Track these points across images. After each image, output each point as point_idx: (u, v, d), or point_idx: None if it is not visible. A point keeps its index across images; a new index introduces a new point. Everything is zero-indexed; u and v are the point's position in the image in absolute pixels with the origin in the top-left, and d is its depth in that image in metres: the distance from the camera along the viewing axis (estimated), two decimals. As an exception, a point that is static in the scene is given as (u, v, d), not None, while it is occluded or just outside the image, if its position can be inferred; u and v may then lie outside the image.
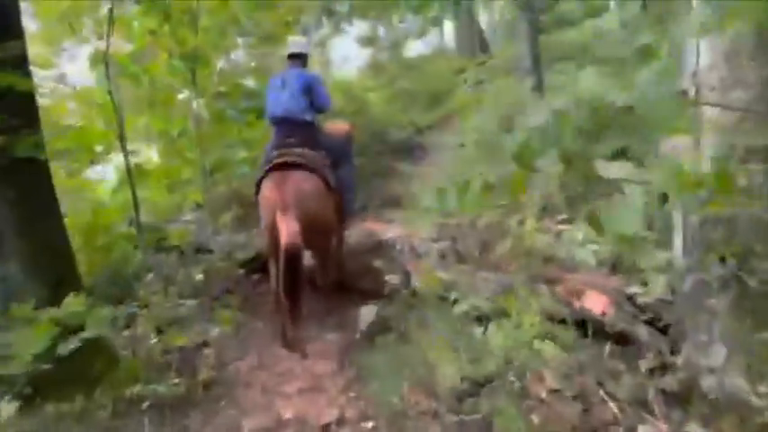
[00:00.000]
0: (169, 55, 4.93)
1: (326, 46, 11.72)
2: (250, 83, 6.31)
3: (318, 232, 3.81)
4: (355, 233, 5.26)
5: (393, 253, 4.67)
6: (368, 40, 14.15)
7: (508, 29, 17.05)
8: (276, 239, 3.56)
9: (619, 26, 8.53)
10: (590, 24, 10.04)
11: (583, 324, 3.07)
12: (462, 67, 12.46)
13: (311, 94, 4.08)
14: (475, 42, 14.08)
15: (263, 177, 3.87)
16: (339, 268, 4.51)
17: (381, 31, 13.74)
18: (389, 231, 5.25)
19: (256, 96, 5.64)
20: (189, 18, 4.58)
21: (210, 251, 5.03)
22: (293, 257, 3.42)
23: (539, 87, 5.00)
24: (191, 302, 4.01)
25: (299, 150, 3.89)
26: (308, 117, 4.06)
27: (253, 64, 6.48)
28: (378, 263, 4.39)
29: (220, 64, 6.84)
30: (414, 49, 14.84)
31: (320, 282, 4.33)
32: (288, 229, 3.45)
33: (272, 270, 3.88)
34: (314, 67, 8.95)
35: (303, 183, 3.72)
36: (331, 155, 4.14)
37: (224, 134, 5.68)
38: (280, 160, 3.80)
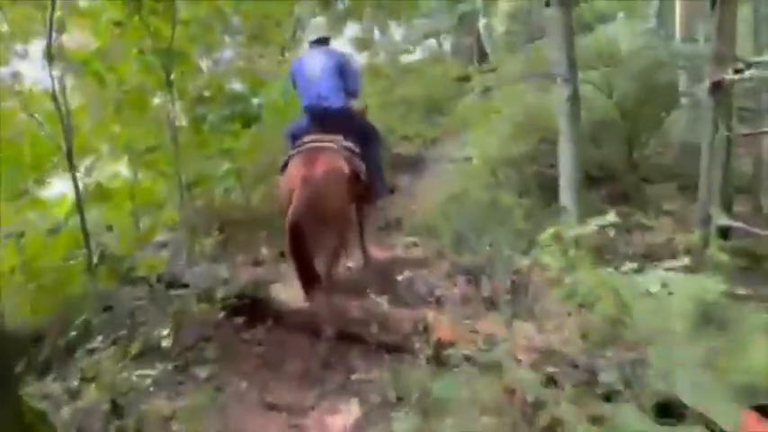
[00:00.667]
0: (140, 51, 4.11)
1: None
2: (236, 86, 5.51)
3: (329, 223, 3.60)
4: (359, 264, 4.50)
5: (402, 291, 3.91)
6: (363, 44, 13.37)
7: (508, 35, 16.50)
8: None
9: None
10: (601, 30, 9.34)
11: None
12: (463, 73, 11.77)
13: (343, 75, 4.00)
14: (473, 49, 13.39)
15: (291, 156, 3.83)
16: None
17: (377, 34, 12.99)
18: (396, 263, 4.49)
19: (243, 101, 4.84)
20: (164, 7, 3.78)
21: (185, 285, 4.22)
22: (298, 229, 3.31)
23: (574, 98, 4.26)
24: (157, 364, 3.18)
25: (330, 137, 3.85)
26: (340, 101, 3.99)
27: (240, 63, 5.67)
28: (388, 306, 3.62)
29: (204, 64, 6.06)
30: (410, 54, 14.12)
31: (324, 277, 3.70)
32: (296, 204, 3.37)
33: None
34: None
35: (332, 162, 3.65)
36: (360, 138, 4.06)
37: (204, 144, 4.87)
38: (313, 144, 3.76)
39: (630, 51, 6.23)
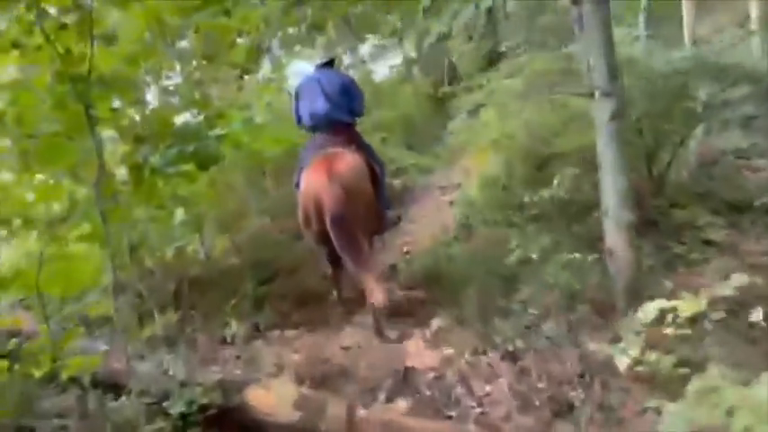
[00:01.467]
0: (55, 78, 2.99)
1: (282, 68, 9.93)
2: (189, 119, 4.43)
3: (361, 209, 3.49)
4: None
5: (427, 388, 2.87)
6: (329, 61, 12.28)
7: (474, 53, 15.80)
8: (318, 213, 3.40)
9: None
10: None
11: None
12: (437, 92, 10.91)
13: (348, 96, 3.98)
14: (443, 68, 12.56)
15: (304, 167, 3.75)
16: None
17: (346, 51, 12.02)
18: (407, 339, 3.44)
19: (197, 138, 3.75)
20: (78, 18, 2.70)
21: (126, 390, 3.07)
22: (340, 221, 3.25)
23: (618, 115, 3.33)
24: None
25: (341, 146, 3.78)
26: (347, 119, 3.98)
27: (197, 96, 4.58)
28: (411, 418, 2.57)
29: (152, 93, 4.95)
30: (377, 73, 13.17)
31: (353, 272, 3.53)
32: (331, 198, 3.31)
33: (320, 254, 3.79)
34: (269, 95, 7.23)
35: (351, 160, 3.60)
36: (368, 149, 4.04)
37: (151, 194, 3.76)
38: (326, 152, 3.68)
39: (638, 61, 5.44)
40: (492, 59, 15.81)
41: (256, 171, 5.84)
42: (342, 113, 3.95)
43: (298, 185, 3.83)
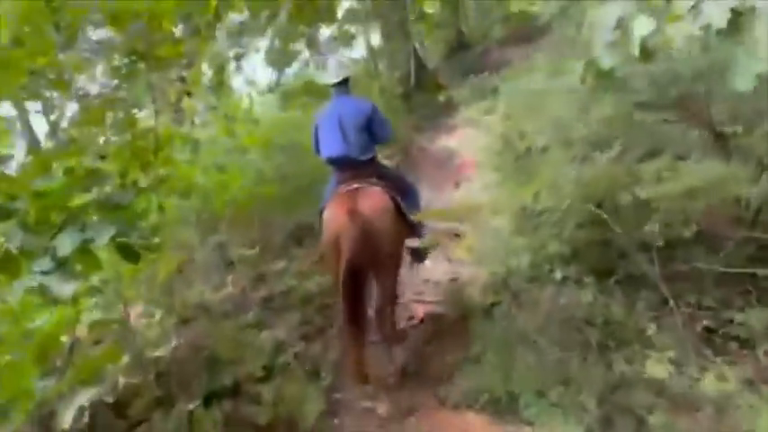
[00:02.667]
0: None
1: (225, 68, 8.14)
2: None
3: (381, 253, 3.30)
4: None
5: None
6: (276, 59, 10.51)
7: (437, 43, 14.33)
8: (337, 253, 3.20)
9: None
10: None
11: None
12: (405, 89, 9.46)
13: (371, 127, 3.67)
14: (410, 65, 11.02)
15: (327, 202, 3.55)
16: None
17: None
18: None
19: (115, 216, 2.05)
20: None
21: None
22: (354, 268, 3.09)
23: None
24: None
25: (365, 180, 3.58)
26: (369, 155, 3.69)
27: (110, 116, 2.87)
28: None
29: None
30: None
31: (381, 329, 3.55)
32: (350, 242, 3.13)
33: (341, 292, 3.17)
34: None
35: (378, 198, 3.44)
36: (399, 187, 3.76)
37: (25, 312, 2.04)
38: (351, 187, 3.50)
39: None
40: (454, 49, 14.51)
41: (210, 223, 4.16)
42: (360, 152, 3.66)
43: (321, 213, 3.63)
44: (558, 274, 3.65)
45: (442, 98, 10.55)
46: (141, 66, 3.33)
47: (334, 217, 3.33)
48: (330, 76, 3.72)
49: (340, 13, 11.51)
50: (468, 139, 8.93)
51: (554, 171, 3.43)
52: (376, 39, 11.89)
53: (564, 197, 3.24)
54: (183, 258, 3.92)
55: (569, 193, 3.24)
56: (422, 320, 4.24)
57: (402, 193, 3.73)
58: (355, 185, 3.50)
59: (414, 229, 3.78)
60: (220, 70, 6.13)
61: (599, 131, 3.75)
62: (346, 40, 11.73)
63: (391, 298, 3.58)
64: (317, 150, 3.86)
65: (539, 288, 3.75)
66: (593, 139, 3.64)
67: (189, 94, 4.85)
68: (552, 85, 5.19)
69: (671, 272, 3.33)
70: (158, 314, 3.80)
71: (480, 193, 6.63)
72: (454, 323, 3.92)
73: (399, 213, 3.53)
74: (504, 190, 4.65)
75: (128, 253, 2.09)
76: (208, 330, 4.06)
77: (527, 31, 15.45)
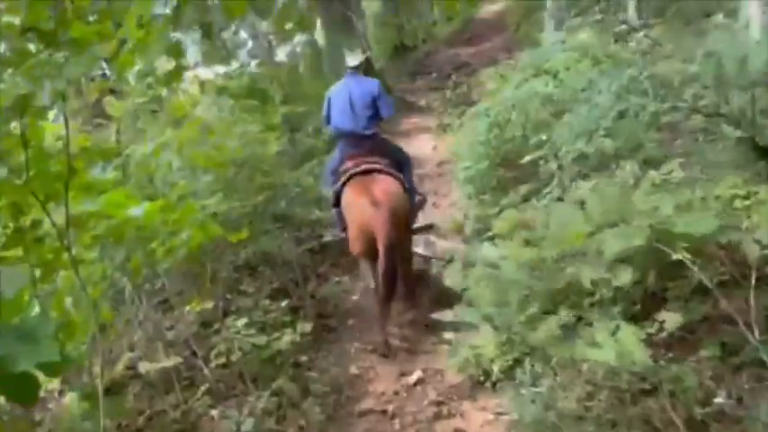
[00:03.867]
0: None
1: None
2: None
3: (403, 232, 3.87)
4: None
5: None
6: (210, 54, 9.25)
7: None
8: (369, 238, 3.68)
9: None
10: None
11: None
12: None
13: (376, 104, 4.10)
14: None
15: (343, 184, 3.95)
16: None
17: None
18: None
19: None
20: None
21: None
22: (392, 248, 3.58)
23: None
24: None
25: (372, 158, 4.00)
26: (374, 130, 4.14)
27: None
28: None
29: None
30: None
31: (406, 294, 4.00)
32: (384, 224, 3.58)
33: (365, 268, 4.06)
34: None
35: (389, 184, 3.86)
36: (395, 161, 4.17)
37: None
38: (360, 168, 3.92)
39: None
40: (398, 48, 13.74)
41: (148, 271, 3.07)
42: (365, 127, 4.09)
43: (337, 198, 4.04)
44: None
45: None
46: (44, 51, 2.23)
47: (358, 207, 3.76)
48: (352, 60, 4.28)
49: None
50: (428, 148, 8.16)
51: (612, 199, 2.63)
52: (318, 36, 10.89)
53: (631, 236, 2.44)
54: (110, 318, 2.83)
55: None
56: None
57: (399, 165, 4.17)
58: (364, 167, 3.91)
59: (412, 198, 4.21)
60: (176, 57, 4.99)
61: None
62: (286, 35, 10.63)
63: (410, 261, 4.13)
64: (327, 121, 4.34)
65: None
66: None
67: (113, 91, 3.71)
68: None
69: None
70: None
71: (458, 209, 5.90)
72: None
73: (405, 191, 3.97)
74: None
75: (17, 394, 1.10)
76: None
77: (476, 30, 15.00)
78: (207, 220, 2.51)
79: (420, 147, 7.80)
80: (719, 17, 6.43)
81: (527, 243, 2.51)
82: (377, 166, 3.93)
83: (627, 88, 3.01)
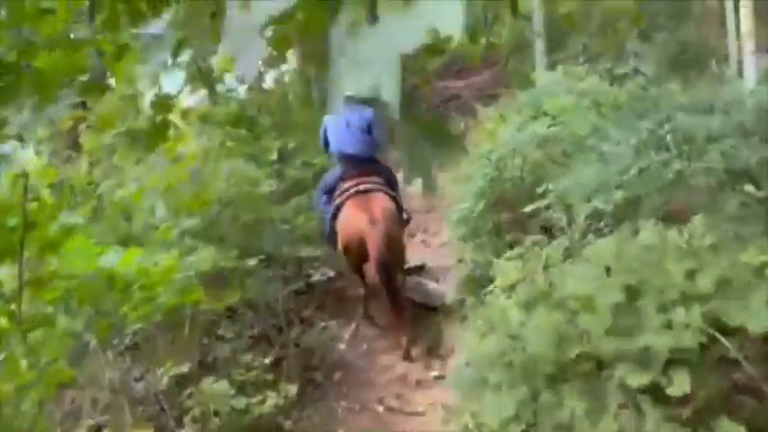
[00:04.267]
0: None
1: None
2: None
3: (397, 252, 4.07)
4: None
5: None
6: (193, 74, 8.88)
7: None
8: (362, 252, 3.95)
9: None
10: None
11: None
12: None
13: (370, 133, 4.35)
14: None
15: (342, 203, 4.17)
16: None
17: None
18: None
19: None
20: None
21: None
22: (385, 263, 3.83)
23: None
24: None
25: (370, 178, 4.25)
26: (371, 153, 4.41)
27: None
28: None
29: None
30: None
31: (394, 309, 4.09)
32: (378, 242, 3.82)
33: (360, 282, 4.36)
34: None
35: (386, 203, 4.13)
36: (387, 181, 4.40)
37: None
38: (360, 188, 4.16)
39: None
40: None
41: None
42: (365, 150, 4.34)
43: (335, 213, 4.24)
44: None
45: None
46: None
47: (357, 222, 3.96)
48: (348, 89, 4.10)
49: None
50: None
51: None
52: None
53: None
54: (70, 378, 2.47)
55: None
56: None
57: (392, 185, 4.41)
58: (362, 186, 4.13)
59: (401, 215, 4.43)
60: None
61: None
62: (275, 61, 10.41)
63: (404, 279, 4.28)
64: (326, 145, 4.58)
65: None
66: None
67: (83, 118, 3.38)
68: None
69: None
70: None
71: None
72: None
73: (399, 211, 4.24)
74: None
75: None
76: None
77: (465, 64, 14.95)
78: (189, 281, 2.19)
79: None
80: (713, 65, 6.41)
81: (555, 307, 2.23)
82: (374, 186, 4.20)
83: (645, 143, 2.81)
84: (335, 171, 4.46)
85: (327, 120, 4.49)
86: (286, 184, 5.43)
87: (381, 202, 4.08)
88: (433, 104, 11.40)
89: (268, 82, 10.13)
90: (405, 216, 4.63)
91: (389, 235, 3.89)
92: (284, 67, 10.39)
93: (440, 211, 6.73)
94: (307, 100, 9.51)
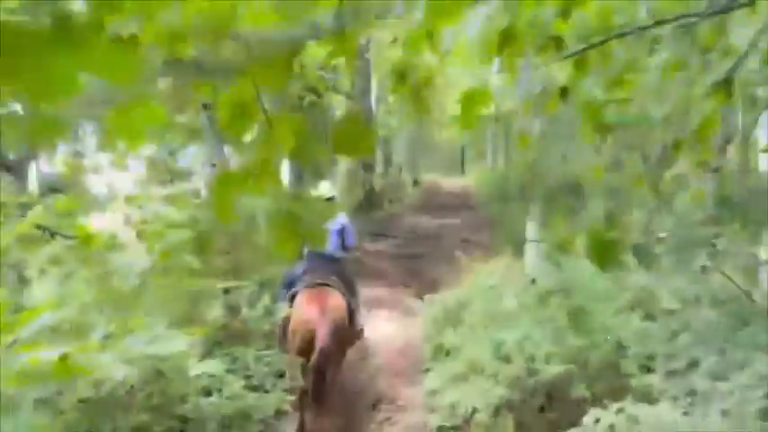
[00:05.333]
0: None
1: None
2: None
3: (338, 341, 4.20)
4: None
5: None
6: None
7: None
8: (309, 338, 4.09)
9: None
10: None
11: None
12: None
13: (343, 235, 4.74)
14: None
15: (296, 292, 4.44)
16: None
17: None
18: None
19: None
20: None
21: None
22: (326, 352, 4.02)
23: None
24: None
25: (329, 277, 4.52)
26: (338, 254, 4.76)
27: None
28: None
29: None
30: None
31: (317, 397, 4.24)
32: (324, 329, 4.07)
33: (294, 369, 4.28)
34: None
35: (336, 300, 4.36)
36: (346, 284, 4.67)
37: None
38: (317, 281, 4.44)
39: None
40: (363, 206, 12.99)
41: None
42: (332, 249, 4.67)
43: (287, 291, 4.54)
44: None
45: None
46: None
47: (307, 310, 4.24)
48: (325, 192, 4.90)
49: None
50: (388, 328, 6.89)
51: None
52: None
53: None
54: None
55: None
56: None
57: (351, 290, 4.71)
58: (319, 281, 4.44)
59: (355, 317, 4.68)
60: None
61: None
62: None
63: (338, 369, 4.46)
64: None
65: None
66: None
67: None
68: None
69: None
70: None
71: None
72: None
73: (349, 310, 4.51)
74: None
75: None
76: None
77: (442, 200, 14.59)
78: None
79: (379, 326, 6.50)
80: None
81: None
82: (330, 283, 4.44)
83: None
84: (299, 267, 4.65)
85: None
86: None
87: (333, 298, 4.32)
88: (407, 239, 10.69)
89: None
90: (359, 326, 4.84)
91: (336, 327, 4.13)
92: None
93: (416, 364, 5.63)
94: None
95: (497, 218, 10.87)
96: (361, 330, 4.99)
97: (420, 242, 10.33)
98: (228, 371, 4.45)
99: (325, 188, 5.04)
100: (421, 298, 7.77)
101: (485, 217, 12.31)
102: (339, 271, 4.67)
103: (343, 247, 4.78)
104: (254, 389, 4.50)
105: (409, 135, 19.05)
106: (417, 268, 9.04)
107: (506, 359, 3.94)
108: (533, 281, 5.30)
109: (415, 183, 15.70)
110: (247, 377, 4.59)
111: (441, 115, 23.37)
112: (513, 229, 8.44)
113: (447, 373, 4.48)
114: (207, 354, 4.60)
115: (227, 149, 5.98)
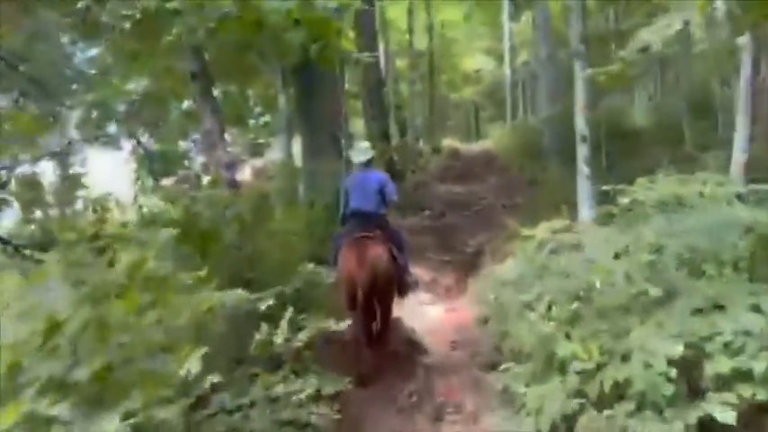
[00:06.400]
0: None
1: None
2: None
3: (382, 288, 4.32)
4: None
5: None
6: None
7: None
8: (353, 288, 4.25)
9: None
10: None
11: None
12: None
13: (383, 191, 4.72)
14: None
15: (341, 246, 4.52)
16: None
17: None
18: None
19: None
20: None
21: None
22: (368, 297, 4.20)
23: None
24: None
25: (371, 231, 4.52)
26: (380, 211, 4.73)
27: None
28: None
29: None
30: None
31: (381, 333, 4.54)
32: (364, 279, 4.17)
33: (354, 319, 4.30)
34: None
35: (376, 250, 4.35)
36: (394, 241, 4.71)
37: None
38: (359, 235, 4.47)
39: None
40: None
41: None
42: (375, 208, 4.68)
43: (335, 261, 4.59)
44: None
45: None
46: None
47: (347, 261, 4.34)
48: (359, 157, 4.93)
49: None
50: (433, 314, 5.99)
51: None
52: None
53: None
54: None
55: None
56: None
57: (397, 244, 4.74)
58: (362, 234, 4.48)
59: (403, 270, 4.77)
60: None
61: None
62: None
63: (388, 316, 4.62)
64: (345, 206, 4.88)
65: None
66: None
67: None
68: None
69: None
70: None
71: None
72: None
73: (392, 259, 4.50)
74: None
75: None
76: None
77: (465, 166, 13.56)
78: None
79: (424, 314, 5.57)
80: None
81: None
82: (371, 236, 4.46)
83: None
84: (348, 224, 4.76)
85: (347, 184, 4.99)
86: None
87: (373, 248, 4.36)
88: (436, 209, 9.76)
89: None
90: (411, 278, 4.93)
91: (375, 275, 4.21)
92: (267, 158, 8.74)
93: (469, 366, 4.73)
94: (291, 196, 7.67)
95: (538, 178, 9.82)
96: (416, 282, 5.13)
97: (453, 212, 9.34)
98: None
99: (364, 146, 5.10)
100: (465, 274, 6.88)
101: (514, 178, 11.28)
102: (381, 225, 4.69)
103: (385, 203, 4.75)
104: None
105: (422, 102, 17.93)
106: (454, 241, 8.08)
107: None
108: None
109: (435, 150, 14.60)
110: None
111: (454, 75, 21.98)
112: (560, 189, 7.43)
113: (528, 370, 3.50)
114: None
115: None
